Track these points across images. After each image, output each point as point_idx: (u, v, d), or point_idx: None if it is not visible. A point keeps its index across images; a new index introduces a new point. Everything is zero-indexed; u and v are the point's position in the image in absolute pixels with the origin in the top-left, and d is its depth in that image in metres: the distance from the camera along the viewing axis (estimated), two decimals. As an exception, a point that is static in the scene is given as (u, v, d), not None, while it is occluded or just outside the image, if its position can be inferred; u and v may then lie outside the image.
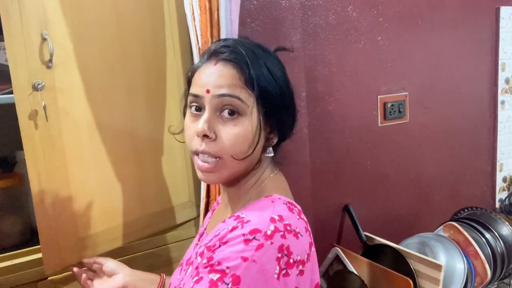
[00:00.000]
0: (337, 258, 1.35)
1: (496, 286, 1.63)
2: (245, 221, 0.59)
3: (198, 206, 1.19)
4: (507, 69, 1.85)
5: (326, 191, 1.45)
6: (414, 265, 1.23)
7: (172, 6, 1.10)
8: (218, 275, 0.55)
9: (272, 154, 0.71)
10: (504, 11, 1.79)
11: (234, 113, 0.64)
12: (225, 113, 0.64)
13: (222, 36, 0.96)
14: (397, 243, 1.36)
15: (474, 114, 1.81)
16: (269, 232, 0.57)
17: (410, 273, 1.21)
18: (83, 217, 0.94)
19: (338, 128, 1.45)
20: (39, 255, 0.95)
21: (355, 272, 1.27)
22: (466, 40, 1.73)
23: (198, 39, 0.97)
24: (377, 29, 1.49)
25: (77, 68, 0.91)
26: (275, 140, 0.71)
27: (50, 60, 0.84)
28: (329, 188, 1.46)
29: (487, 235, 1.47)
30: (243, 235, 0.57)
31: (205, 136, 0.64)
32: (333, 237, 1.50)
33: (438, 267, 1.18)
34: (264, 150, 0.71)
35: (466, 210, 1.63)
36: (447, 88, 1.70)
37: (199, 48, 0.98)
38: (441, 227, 1.47)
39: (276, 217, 0.60)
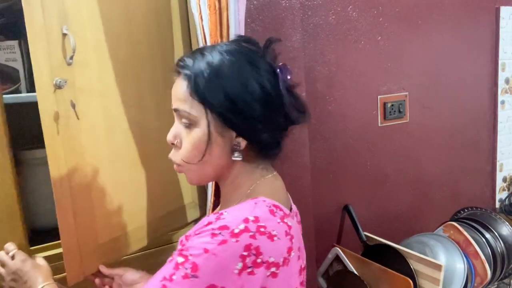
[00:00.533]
0: (337, 258, 1.35)
1: (496, 286, 1.63)
2: (221, 218, 0.62)
3: (201, 207, 1.19)
4: (507, 69, 1.85)
5: (326, 191, 1.46)
6: (414, 265, 1.23)
7: (179, 6, 1.09)
8: (182, 259, 0.60)
9: (239, 158, 0.70)
10: (504, 11, 1.80)
11: (188, 123, 0.69)
12: (184, 123, 0.70)
13: (231, 36, 0.96)
14: (397, 243, 1.36)
15: (474, 114, 1.81)
16: (236, 231, 0.60)
17: (410, 273, 1.22)
18: (102, 223, 0.91)
19: (338, 128, 1.46)
20: (39, 255, 0.95)
21: (355, 272, 1.27)
22: (466, 40, 1.73)
23: (206, 39, 0.97)
24: (377, 29, 1.49)
25: (93, 66, 0.88)
26: (243, 144, 0.70)
27: (71, 57, 0.81)
28: (329, 188, 1.46)
29: (487, 235, 1.47)
30: (212, 229, 0.60)
31: (172, 144, 0.73)
32: (333, 237, 1.50)
33: (438, 267, 1.18)
34: (232, 154, 0.71)
35: (466, 210, 1.63)
36: (447, 88, 1.70)
37: (206, 49, 0.98)
38: (441, 227, 1.47)
39: (252, 218, 0.62)
